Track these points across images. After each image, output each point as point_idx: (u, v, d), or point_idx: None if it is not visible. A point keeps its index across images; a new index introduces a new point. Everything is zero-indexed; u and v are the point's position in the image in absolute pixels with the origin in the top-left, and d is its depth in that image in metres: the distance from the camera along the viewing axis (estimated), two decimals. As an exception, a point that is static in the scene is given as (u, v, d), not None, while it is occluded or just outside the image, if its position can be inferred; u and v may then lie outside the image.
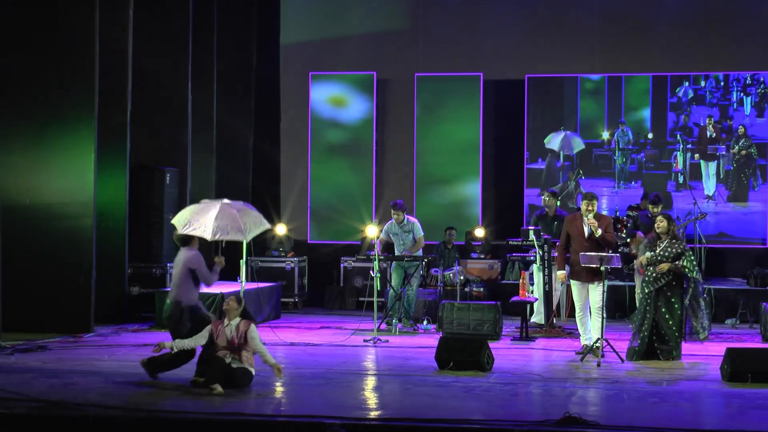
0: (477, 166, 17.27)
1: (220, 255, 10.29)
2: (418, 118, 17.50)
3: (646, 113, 16.73)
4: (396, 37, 17.76)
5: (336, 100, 17.71)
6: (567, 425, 7.84)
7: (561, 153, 16.90)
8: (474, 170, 17.27)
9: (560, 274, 11.84)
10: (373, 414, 8.43)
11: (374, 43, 17.81)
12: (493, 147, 17.52)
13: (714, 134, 16.39)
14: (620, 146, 16.67)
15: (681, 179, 16.57)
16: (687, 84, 16.48)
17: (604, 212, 16.11)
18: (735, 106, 16.44)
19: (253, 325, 9.51)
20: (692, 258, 11.27)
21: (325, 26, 18.00)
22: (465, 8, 17.68)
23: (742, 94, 16.34)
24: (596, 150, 16.89)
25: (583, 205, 11.68)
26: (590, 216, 11.55)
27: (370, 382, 10.06)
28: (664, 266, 11.15)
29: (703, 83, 16.42)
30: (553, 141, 16.92)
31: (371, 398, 9.23)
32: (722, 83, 16.40)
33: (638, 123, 16.78)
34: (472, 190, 17.29)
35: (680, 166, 16.47)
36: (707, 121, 16.43)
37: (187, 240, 10.38)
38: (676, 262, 11.13)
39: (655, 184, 16.40)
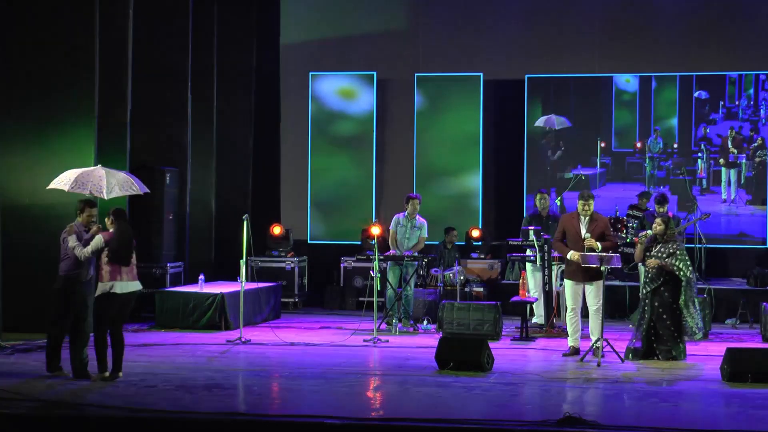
0: (477, 163, 17.26)
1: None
2: (418, 117, 17.49)
3: (674, 122, 17.07)
4: (396, 37, 17.74)
5: (344, 92, 17.69)
6: (567, 425, 7.85)
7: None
8: (474, 166, 17.27)
9: (573, 254, 11.42)
10: (373, 414, 8.44)
11: (374, 43, 17.79)
12: (494, 147, 17.51)
13: (734, 144, 16.75)
14: (651, 153, 16.91)
15: (705, 184, 17.00)
16: (722, 103, 16.89)
17: None
18: (764, 122, 16.76)
19: (98, 236, 9.68)
20: (686, 258, 11.26)
21: (325, 26, 17.98)
22: (465, 8, 17.65)
23: None
24: (629, 158, 17.08)
25: (579, 205, 11.59)
26: (588, 238, 11.46)
27: (370, 382, 10.07)
28: (654, 261, 11.18)
29: (736, 102, 16.71)
30: (540, 120, 17.13)
31: (371, 398, 9.23)
32: (753, 101, 16.67)
33: (667, 131, 17.06)
34: (473, 187, 17.26)
35: (703, 173, 16.86)
36: (729, 132, 16.69)
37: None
38: (667, 260, 11.14)
39: (682, 189, 16.76)
